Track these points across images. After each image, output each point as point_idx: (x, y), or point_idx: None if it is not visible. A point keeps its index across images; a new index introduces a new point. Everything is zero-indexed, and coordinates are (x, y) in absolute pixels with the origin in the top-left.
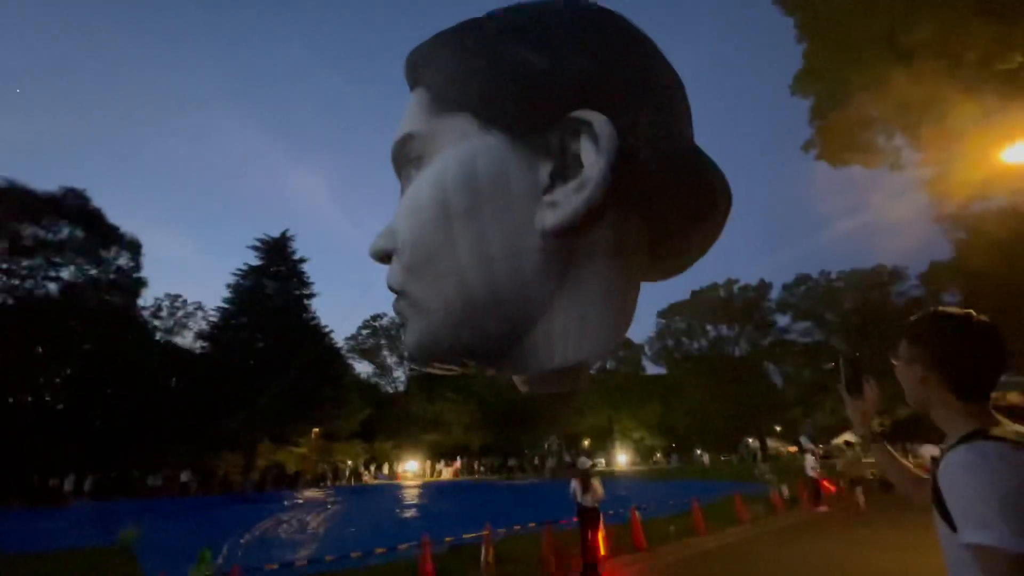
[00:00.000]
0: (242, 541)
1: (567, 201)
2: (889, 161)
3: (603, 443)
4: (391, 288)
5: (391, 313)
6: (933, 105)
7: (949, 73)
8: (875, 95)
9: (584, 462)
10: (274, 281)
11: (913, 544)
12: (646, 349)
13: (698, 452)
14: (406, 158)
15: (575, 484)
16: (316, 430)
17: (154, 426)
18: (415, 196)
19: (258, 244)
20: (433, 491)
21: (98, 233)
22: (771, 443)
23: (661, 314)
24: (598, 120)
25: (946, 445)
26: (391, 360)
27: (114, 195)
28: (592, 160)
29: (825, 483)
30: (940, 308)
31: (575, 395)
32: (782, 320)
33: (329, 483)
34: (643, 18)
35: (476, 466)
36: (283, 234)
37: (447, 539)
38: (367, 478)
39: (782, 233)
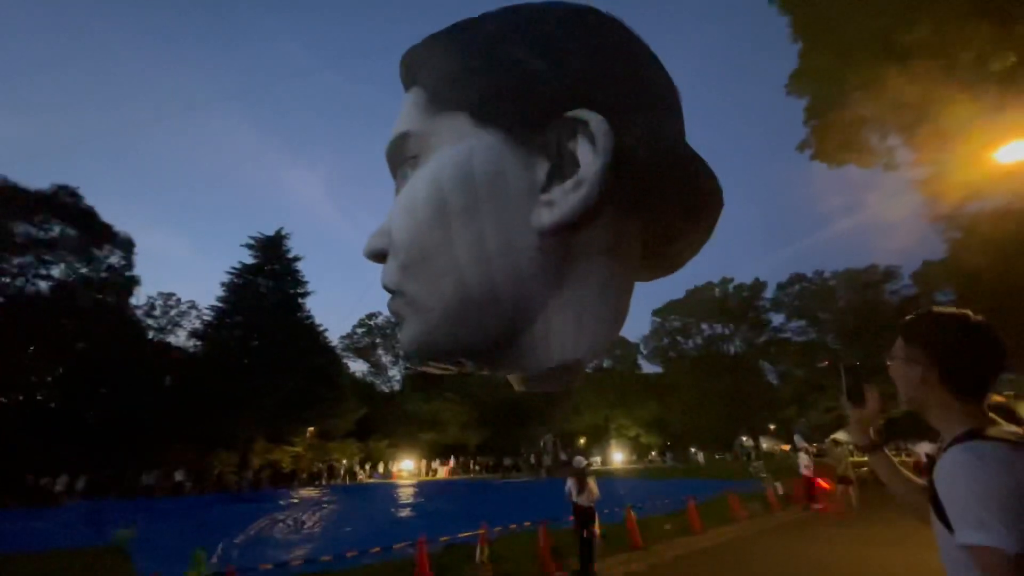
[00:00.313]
0: (237, 541)
1: (564, 200)
2: (884, 161)
3: (599, 441)
4: (386, 287)
5: (386, 312)
6: (927, 105)
7: (944, 73)
8: (870, 95)
9: (580, 461)
10: (269, 280)
11: (905, 541)
12: (641, 348)
13: (693, 450)
14: (402, 157)
15: (571, 483)
16: (311, 429)
17: (148, 425)
18: (411, 195)
19: (252, 242)
20: (428, 490)
21: (90, 231)
22: (766, 441)
23: (656, 313)
24: (595, 119)
25: (942, 445)
26: (386, 359)
27: (107, 193)
28: (589, 159)
29: (819, 481)
30: (937, 308)
31: (570, 393)
32: (776, 319)
33: (324, 482)
34: (639, 18)
35: (472, 465)
36: (278, 232)
37: (443, 538)
38: (362, 477)
39: (777, 233)
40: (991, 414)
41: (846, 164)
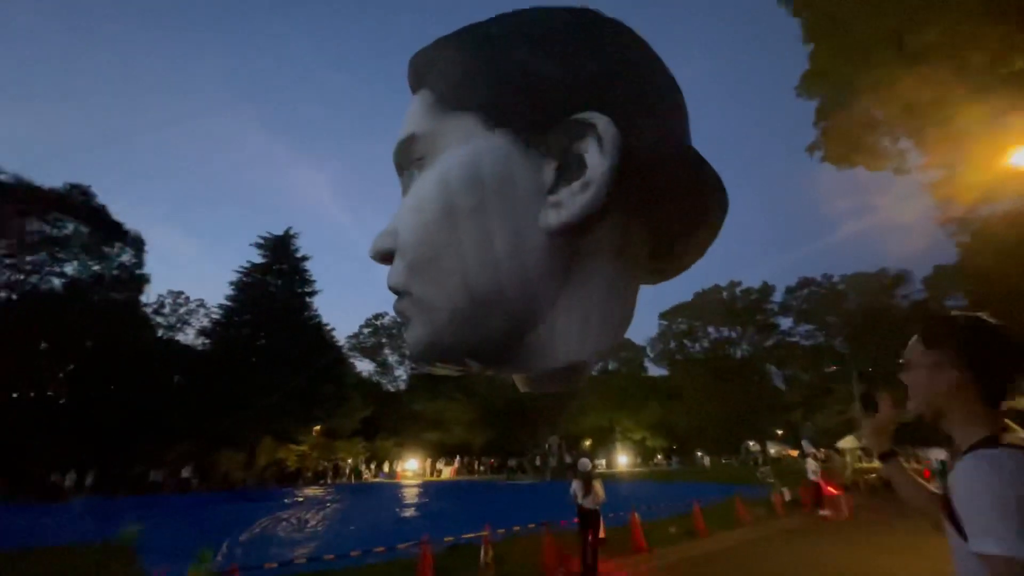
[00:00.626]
0: (242, 539)
1: (571, 201)
2: (894, 164)
3: (604, 444)
4: (392, 289)
5: (392, 312)
6: (939, 108)
7: (956, 76)
8: (881, 97)
9: (585, 464)
10: (277, 279)
11: (911, 548)
12: (648, 350)
13: (699, 454)
14: (409, 159)
15: (576, 486)
16: (317, 428)
17: (156, 422)
18: (419, 195)
19: (261, 242)
20: (433, 490)
21: (102, 229)
22: (773, 446)
23: (663, 315)
24: (602, 122)
25: (958, 452)
26: (392, 359)
27: (118, 192)
28: (596, 161)
29: (828, 487)
30: (956, 312)
31: (575, 395)
32: (784, 323)
33: (329, 481)
34: (650, 21)
35: (476, 466)
36: (286, 232)
37: (447, 539)
38: (367, 476)
39: (786, 236)
40: (1007, 420)
41: (856, 166)
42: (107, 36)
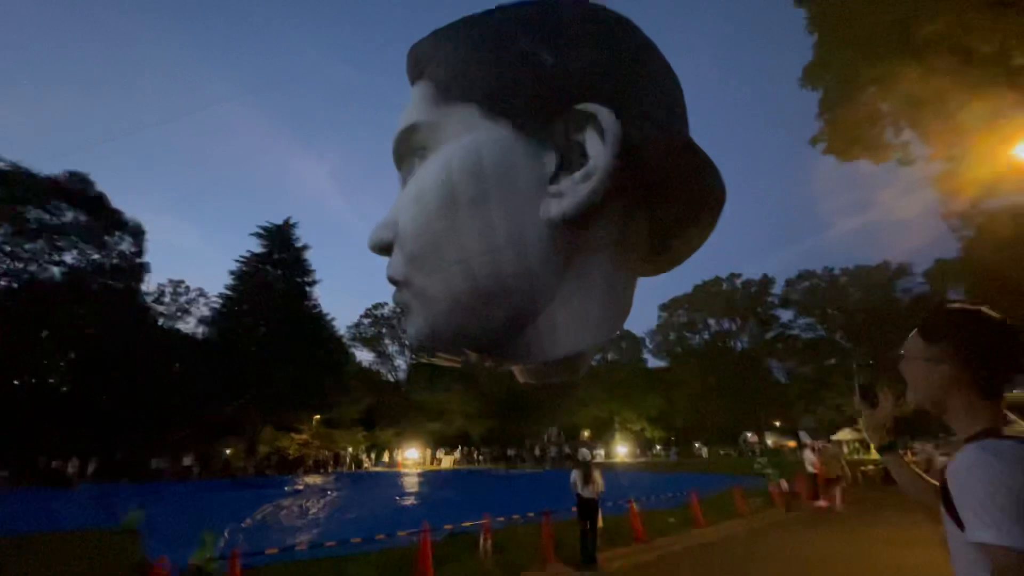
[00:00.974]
0: (243, 525)
1: (573, 191)
2: (897, 156)
3: (603, 434)
4: (392, 280)
5: (392, 302)
6: (944, 100)
7: (961, 68)
8: (885, 89)
9: (585, 454)
10: (277, 268)
11: (909, 538)
12: (648, 342)
13: (697, 445)
14: (409, 149)
15: (576, 475)
16: (317, 417)
17: (157, 410)
18: (420, 185)
19: (261, 231)
20: (432, 479)
21: (102, 217)
22: (771, 438)
23: (663, 307)
24: (603, 113)
25: (957, 444)
26: (392, 349)
27: (118, 181)
28: (598, 151)
29: (823, 478)
30: (954, 304)
31: (575, 386)
32: (784, 315)
33: (330, 469)
34: (652, 12)
35: (476, 455)
36: (286, 222)
37: (447, 527)
38: (367, 465)
39: (787, 229)
40: (1009, 413)
41: (859, 159)
42: (108, 25)
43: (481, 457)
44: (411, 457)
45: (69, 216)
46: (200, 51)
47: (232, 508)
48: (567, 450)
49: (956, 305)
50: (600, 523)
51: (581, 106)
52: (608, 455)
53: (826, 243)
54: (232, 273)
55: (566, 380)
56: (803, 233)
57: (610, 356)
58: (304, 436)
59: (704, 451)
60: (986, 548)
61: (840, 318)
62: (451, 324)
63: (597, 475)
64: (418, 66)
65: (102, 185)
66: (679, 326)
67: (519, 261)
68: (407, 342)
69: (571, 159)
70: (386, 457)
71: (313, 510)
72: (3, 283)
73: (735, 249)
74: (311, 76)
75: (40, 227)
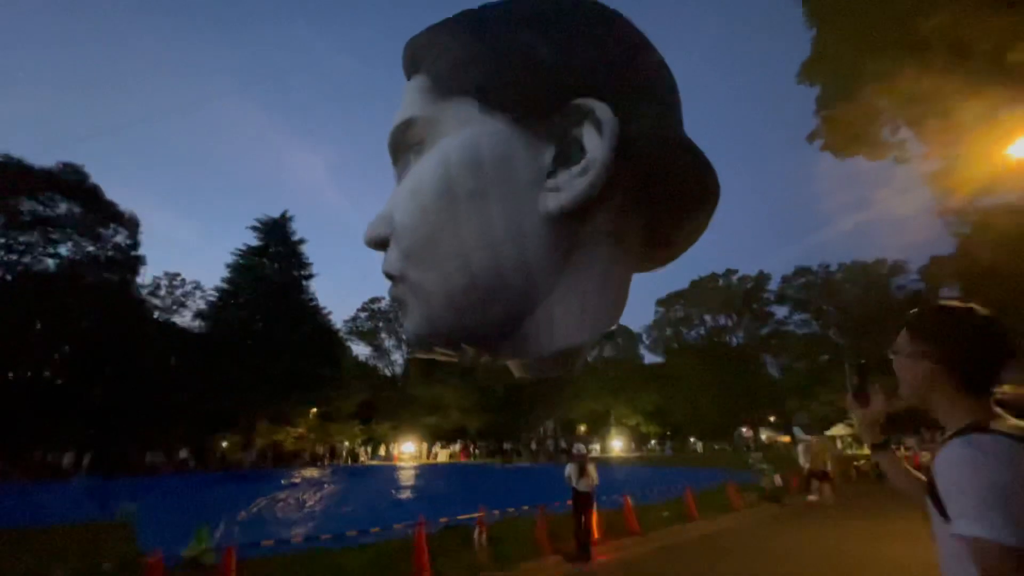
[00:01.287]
0: (239, 518)
1: (570, 185)
2: (894, 154)
3: (599, 429)
4: (388, 275)
5: (388, 297)
6: (941, 98)
7: (959, 65)
8: (883, 86)
9: (580, 448)
10: (273, 262)
11: (899, 532)
12: (644, 337)
13: (692, 440)
14: (406, 144)
15: (571, 469)
16: (314, 410)
17: (153, 404)
18: (417, 179)
19: (258, 224)
20: (429, 473)
21: (96, 210)
22: (765, 433)
23: (660, 303)
24: (600, 107)
25: (944, 438)
26: (389, 343)
27: (114, 173)
28: (595, 145)
29: (816, 473)
30: (943, 301)
31: (571, 380)
32: (780, 312)
33: (326, 463)
34: (650, 8)
35: (472, 449)
36: (283, 215)
37: (442, 519)
38: (364, 459)
39: (783, 228)
40: (997, 408)
41: (856, 156)
42: (105, 19)
43: (477, 451)
44: (408, 451)
45: (63, 208)
46: (197, 44)
47: (227, 501)
48: (563, 444)
49: (943, 302)
50: (594, 516)
51: (579, 101)
52: (604, 450)
53: (823, 239)
54: (228, 266)
55: (562, 375)
56: (800, 230)
57: (606, 351)
58: (300, 430)
59: (699, 446)
60: (970, 541)
61: (835, 315)
62: (448, 319)
63: (592, 469)
64: (415, 60)
65: (98, 178)
66: (675, 322)
67: (516, 255)
68: (404, 336)
69: (568, 154)
70: (382, 451)
71: (309, 503)
72: None
73: (732, 245)
74: (309, 69)
75: (34, 219)
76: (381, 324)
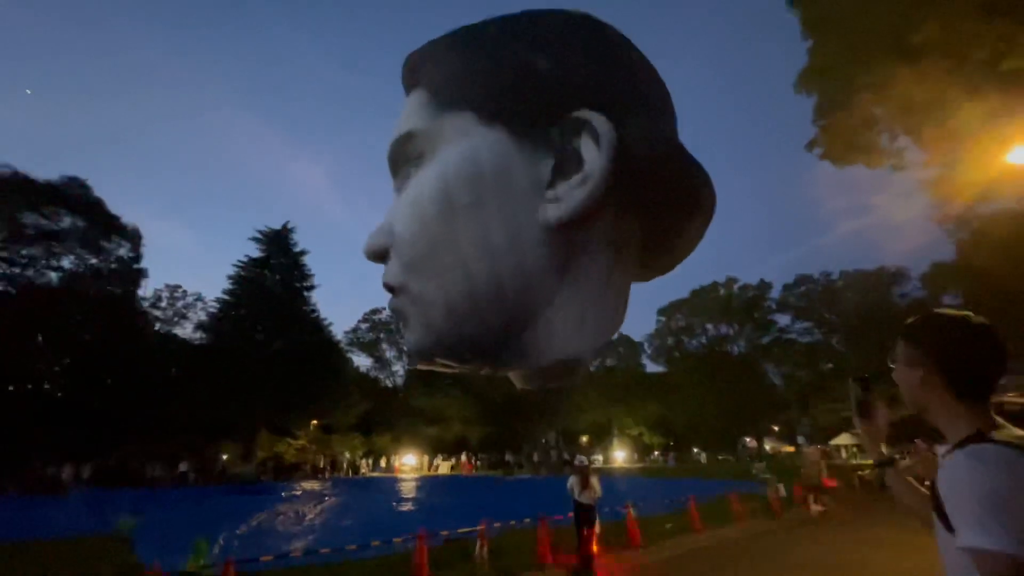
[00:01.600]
0: (239, 531)
1: (569, 196)
2: (893, 161)
3: (602, 440)
4: (388, 286)
5: (388, 309)
6: (938, 106)
7: (955, 73)
8: (880, 95)
9: (582, 460)
10: (275, 273)
11: (904, 543)
12: (646, 347)
13: (695, 450)
14: (405, 157)
15: (573, 481)
16: (315, 422)
17: (153, 416)
18: (417, 191)
19: (259, 236)
20: (430, 485)
21: (99, 222)
22: (769, 443)
23: (661, 312)
24: (598, 119)
25: (946, 448)
26: (390, 354)
27: (115, 185)
28: (593, 156)
29: (824, 482)
30: (938, 310)
31: (572, 391)
32: (782, 320)
33: (327, 475)
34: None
35: (474, 461)
36: (284, 226)
37: (443, 532)
38: (365, 471)
39: (784, 234)
40: (997, 417)
41: (855, 164)
42: (106, 29)
43: (478, 463)
44: (408, 463)
45: (67, 221)
46: (198, 55)
47: (227, 514)
48: (565, 456)
49: (939, 310)
50: (597, 528)
51: (577, 113)
52: (606, 460)
53: (824, 247)
54: (230, 278)
55: (564, 385)
56: (800, 238)
57: (608, 361)
58: (301, 441)
59: (703, 456)
60: (975, 553)
61: (837, 323)
62: (449, 330)
63: (594, 480)
64: (414, 74)
65: (99, 189)
66: (677, 331)
67: (517, 266)
68: (404, 348)
69: (567, 165)
70: (383, 463)
71: (309, 516)
72: (0, 288)
73: (733, 254)
74: (310, 81)
75: (37, 232)
76: (382, 335)
